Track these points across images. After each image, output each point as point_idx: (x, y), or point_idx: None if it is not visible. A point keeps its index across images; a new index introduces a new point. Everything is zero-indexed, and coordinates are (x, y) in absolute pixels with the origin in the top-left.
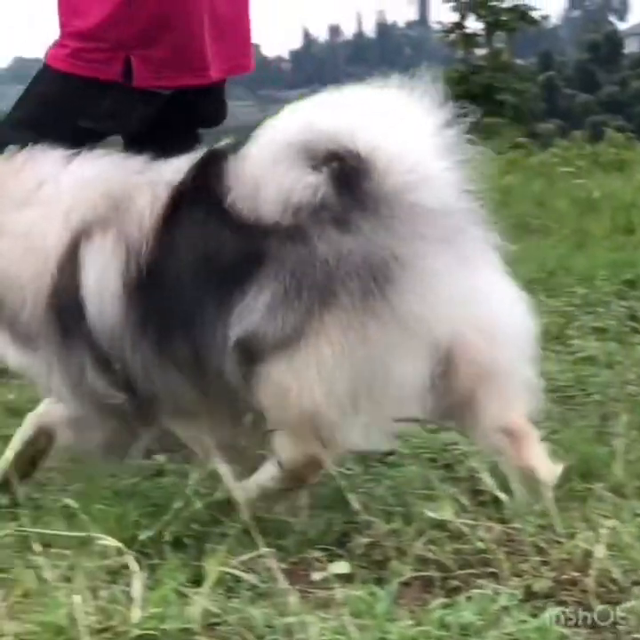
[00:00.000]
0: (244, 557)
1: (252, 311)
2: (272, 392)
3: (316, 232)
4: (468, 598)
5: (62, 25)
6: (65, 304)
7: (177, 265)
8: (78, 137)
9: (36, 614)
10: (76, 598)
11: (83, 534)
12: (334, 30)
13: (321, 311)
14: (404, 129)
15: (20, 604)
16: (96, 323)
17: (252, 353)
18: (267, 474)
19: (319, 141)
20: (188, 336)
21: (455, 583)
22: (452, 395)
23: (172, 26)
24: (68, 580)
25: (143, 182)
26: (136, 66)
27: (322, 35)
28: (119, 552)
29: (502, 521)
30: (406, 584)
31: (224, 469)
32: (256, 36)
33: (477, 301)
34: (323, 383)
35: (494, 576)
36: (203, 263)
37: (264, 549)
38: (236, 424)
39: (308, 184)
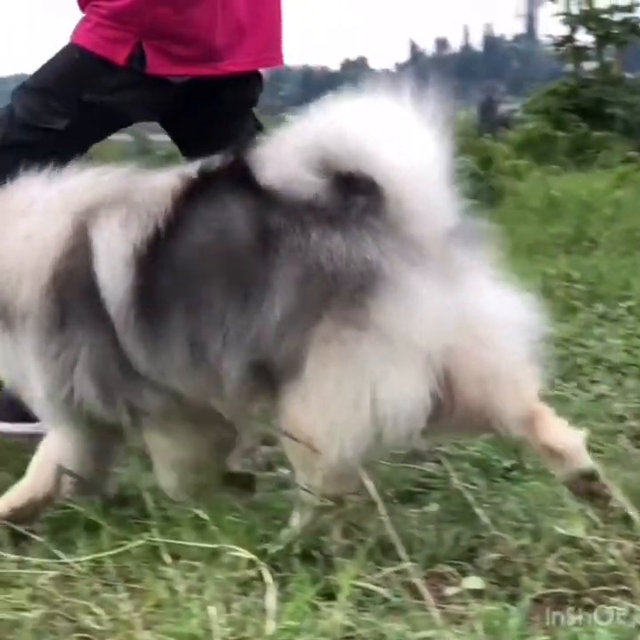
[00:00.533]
0: (383, 572)
1: (265, 328)
2: (288, 426)
3: (316, 231)
4: (602, 616)
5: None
6: (68, 288)
7: (188, 248)
8: (81, 109)
9: (169, 625)
10: (211, 609)
11: (213, 546)
12: (441, 43)
13: (317, 329)
14: (409, 151)
15: (152, 615)
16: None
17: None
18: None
19: (330, 153)
20: (189, 323)
21: (588, 601)
22: (460, 406)
23: (185, 19)
24: (198, 591)
25: (144, 178)
26: (149, 54)
27: (428, 47)
28: (250, 564)
29: (633, 538)
30: (538, 601)
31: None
32: (363, 49)
33: (469, 312)
34: (326, 412)
35: (627, 594)
36: (215, 251)
37: (406, 564)
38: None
39: (313, 183)
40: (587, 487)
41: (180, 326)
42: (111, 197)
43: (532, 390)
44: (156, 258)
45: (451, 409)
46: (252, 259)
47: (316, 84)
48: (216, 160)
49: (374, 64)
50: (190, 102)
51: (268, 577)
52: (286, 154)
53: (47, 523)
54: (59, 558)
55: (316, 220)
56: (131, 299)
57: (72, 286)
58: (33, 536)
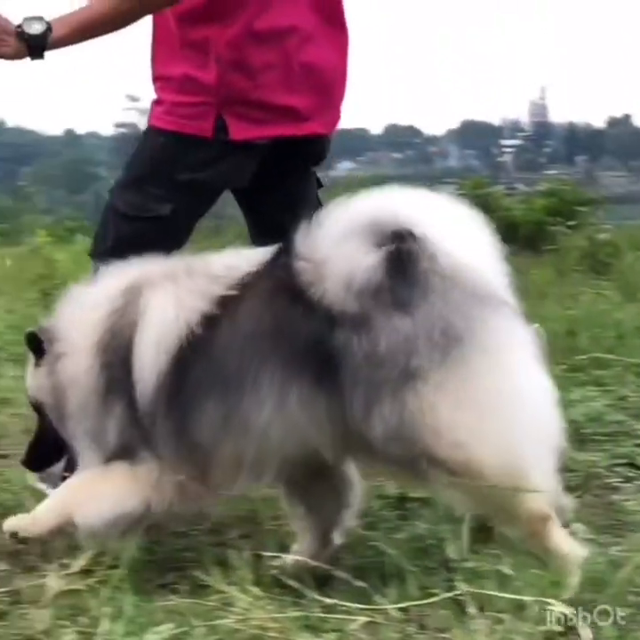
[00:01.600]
0: None
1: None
2: None
3: (378, 319)
4: None
5: (157, 79)
6: (113, 360)
7: (234, 338)
8: (181, 190)
9: None
10: None
11: (521, 598)
12: None
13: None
14: (460, 222)
15: None
16: (139, 378)
17: None
18: None
19: (384, 222)
20: (228, 410)
21: None
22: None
23: (259, 84)
24: None
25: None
26: (229, 121)
27: None
28: (561, 619)
29: None
30: None
31: None
32: (628, 106)
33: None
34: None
35: None
36: (264, 342)
37: None
38: None
39: (368, 267)
40: None
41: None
42: (161, 278)
43: (546, 495)
44: (196, 346)
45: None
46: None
47: (580, 142)
48: (271, 255)
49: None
50: (271, 164)
51: (585, 633)
52: (336, 243)
53: (347, 567)
54: (367, 603)
55: (379, 307)
56: (162, 383)
57: (114, 363)
58: (338, 577)
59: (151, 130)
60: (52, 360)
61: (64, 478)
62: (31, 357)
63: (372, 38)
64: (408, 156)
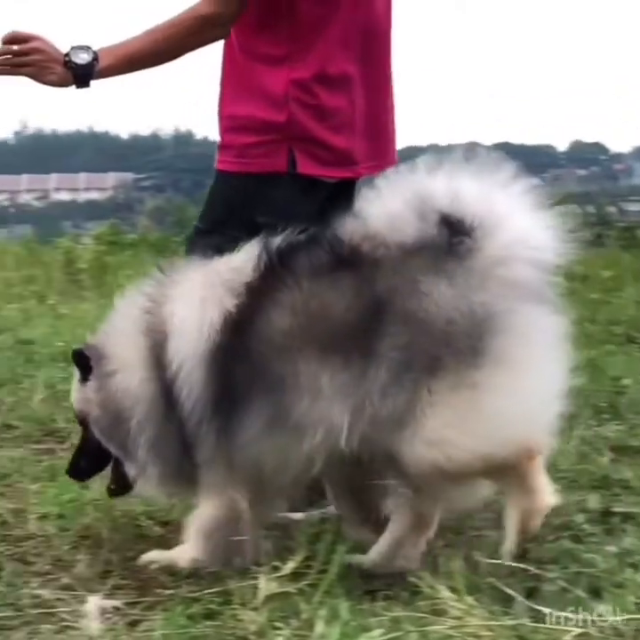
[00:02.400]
0: None
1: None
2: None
3: (425, 283)
4: None
5: (223, 118)
6: (160, 373)
7: (267, 334)
8: (260, 231)
9: None
10: None
11: None
12: None
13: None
14: (511, 207)
15: None
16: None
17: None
18: None
19: (435, 205)
20: (275, 401)
21: None
22: None
23: (331, 124)
24: None
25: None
26: (299, 156)
27: None
28: None
29: None
30: None
31: None
32: None
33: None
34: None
35: None
36: (298, 332)
37: None
38: None
39: (423, 234)
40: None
41: (260, 399)
42: (184, 286)
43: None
44: (232, 339)
45: None
46: (353, 329)
47: None
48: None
49: None
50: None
51: None
52: (394, 202)
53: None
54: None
55: (422, 273)
56: (201, 378)
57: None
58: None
59: (223, 175)
60: (101, 376)
61: (108, 488)
62: (77, 373)
63: (557, 54)
64: (593, 172)
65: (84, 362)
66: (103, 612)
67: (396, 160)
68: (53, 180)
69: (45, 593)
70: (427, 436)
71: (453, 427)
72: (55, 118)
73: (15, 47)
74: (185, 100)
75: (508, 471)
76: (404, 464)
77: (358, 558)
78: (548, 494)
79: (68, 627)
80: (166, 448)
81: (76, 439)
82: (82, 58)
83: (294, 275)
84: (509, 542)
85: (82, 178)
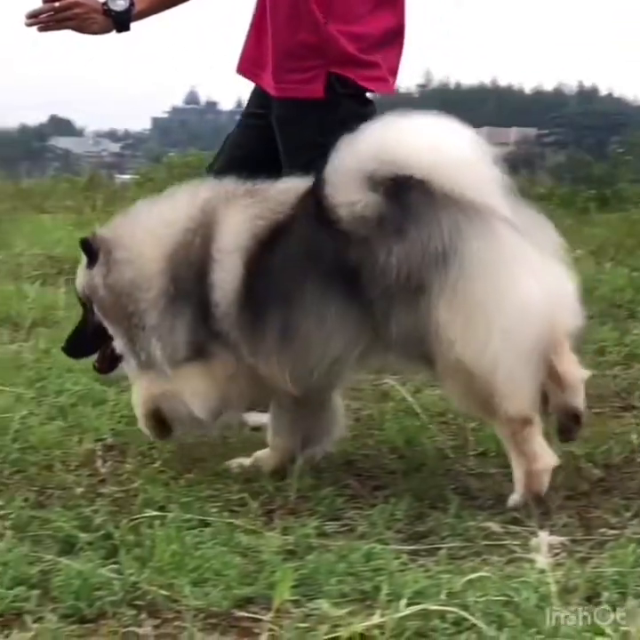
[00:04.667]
0: None
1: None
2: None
3: (381, 243)
4: None
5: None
6: (186, 271)
7: (285, 257)
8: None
9: None
10: None
11: None
12: None
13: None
14: (450, 147)
15: None
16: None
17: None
18: None
19: (382, 169)
20: (285, 314)
21: None
22: None
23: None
24: None
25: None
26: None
27: None
28: None
29: None
30: None
31: None
32: None
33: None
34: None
35: None
36: (306, 261)
37: None
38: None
39: (370, 202)
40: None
41: (276, 311)
42: (231, 198)
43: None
44: (263, 255)
45: None
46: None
47: None
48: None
49: None
50: None
51: None
52: (345, 179)
53: None
54: None
55: (384, 230)
56: (237, 285)
57: (186, 273)
58: None
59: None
60: (111, 263)
61: (94, 366)
62: (84, 259)
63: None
64: None
65: (91, 249)
66: (551, 547)
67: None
68: None
69: (492, 525)
70: (444, 351)
71: (462, 330)
72: (458, 72)
73: (57, 4)
74: (591, 55)
75: (505, 425)
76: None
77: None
78: (548, 456)
79: (517, 558)
80: (171, 335)
81: None
82: (119, 5)
83: (305, 212)
84: (517, 495)
85: (484, 132)
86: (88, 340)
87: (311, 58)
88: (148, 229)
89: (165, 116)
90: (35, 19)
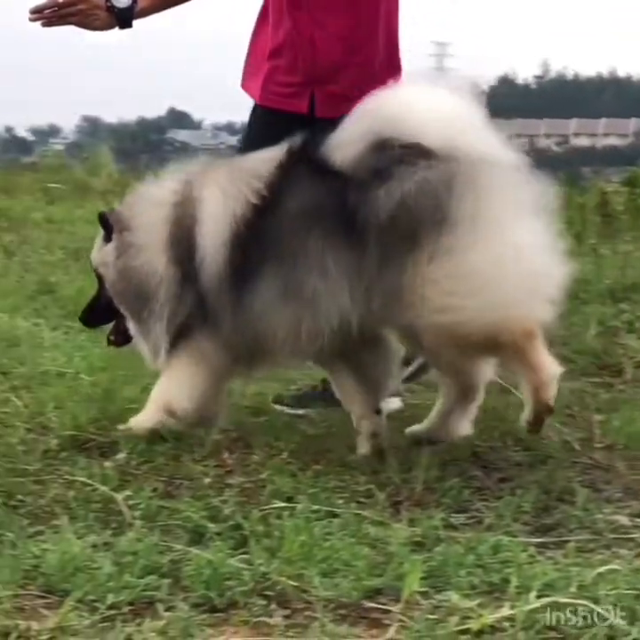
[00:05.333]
0: None
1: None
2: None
3: (377, 192)
4: None
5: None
6: (181, 251)
7: (281, 217)
8: None
9: None
10: None
11: None
12: None
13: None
14: (441, 108)
15: None
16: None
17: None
18: None
19: (385, 135)
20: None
21: None
22: None
23: (352, 65)
24: None
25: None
26: (319, 99)
27: None
28: None
29: None
30: None
31: None
32: None
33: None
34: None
35: None
36: (305, 217)
37: None
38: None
39: (370, 153)
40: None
41: (274, 274)
42: (209, 175)
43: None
44: (253, 225)
45: None
46: (345, 221)
47: None
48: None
49: None
50: None
51: None
52: (350, 139)
53: None
54: None
55: (384, 181)
56: (224, 256)
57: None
58: None
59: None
60: (122, 245)
61: (108, 338)
62: (101, 233)
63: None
64: None
65: (108, 224)
66: None
67: None
68: (573, 124)
69: (620, 518)
70: (414, 304)
71: (444, 292)
72: (577, 62)
73: (60, 0)
74: None
75: (509, 347)
76: (417, 336)
77: (411, 429)
78: (552, 366)
79: None
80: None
81: (630, 374)
82: (122, 2)
83: (303, 171)
84: (527, 412)
85: (602, 123)
86: (101, 312)
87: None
88: (150, 212)
89: None
90: (39, 14)
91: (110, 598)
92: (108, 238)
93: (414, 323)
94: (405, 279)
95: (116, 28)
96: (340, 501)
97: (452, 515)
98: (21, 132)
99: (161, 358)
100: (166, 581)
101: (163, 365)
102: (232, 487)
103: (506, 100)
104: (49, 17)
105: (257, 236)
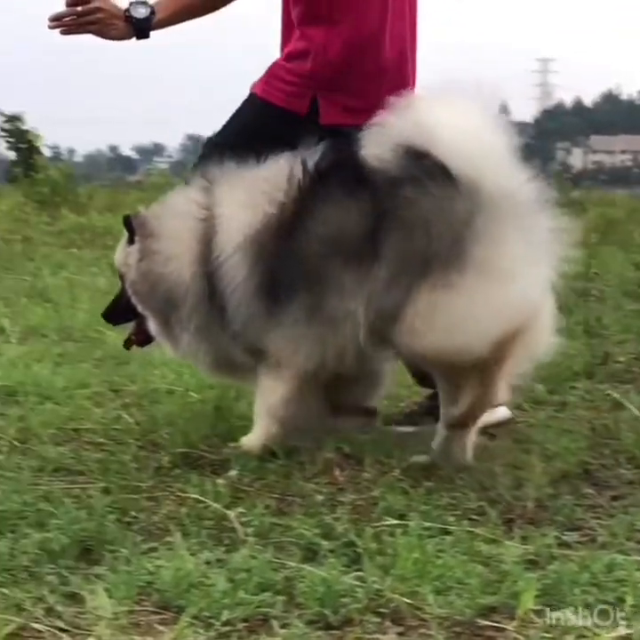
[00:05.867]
0: None
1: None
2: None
3: (414, 200)
4: None
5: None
6: (207, 270)
7: (308, 233)
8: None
9: None
10: None
11: None
12: None
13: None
14: (476, 135)
15: None
16: (224, 283)
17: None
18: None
19: (412, 144)
20: (310, 294)
21: None
22: None
23: (354, 73)
24: None
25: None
26: (322, 104)
27: None
28: None
29: None
30: None
31: None
32: None
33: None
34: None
35: None
36: (326, 239)
37: None
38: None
39: (406, 165)
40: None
41: (299, 293)
42: (233, 183)
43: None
44: (275, 240)
45: None
46: (363, 238)
47: None
48: (326, 152)
49: None
50: None
51: None
52: (382, 145)
53: None
54: None
55: (412, 195)
56: (247, 275)
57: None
58: None
59: (253, 96)
60: (145, 250)
61: (128, 338)
62: (126, 235)
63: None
64: None
65: (130, 228)
66: None
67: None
68: None
69: None
70: (405, 327)
71: (426, 321)
72: None
73: (80, 8)
74: None
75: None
76: (401, 352)
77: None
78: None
79: None
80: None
81: None
82: (140, 12)
83: (323, 189)
84: (454, 409)
85: None
86: (123, 310)
87: None
88: (176, 222)
89: None
90: (58, 22)
91: (225, 615)
92: (131, 241)
93: (406, 343)
94: (406, 302)
95: (134, 39)
96: (452, 519)
97: (565, 533)
98: (126, 150)
99: (203, 365)
100: (280, 598)
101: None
102: (344, 504)
103: (610, 116)
104: (68, 25)
105: (279, 251)
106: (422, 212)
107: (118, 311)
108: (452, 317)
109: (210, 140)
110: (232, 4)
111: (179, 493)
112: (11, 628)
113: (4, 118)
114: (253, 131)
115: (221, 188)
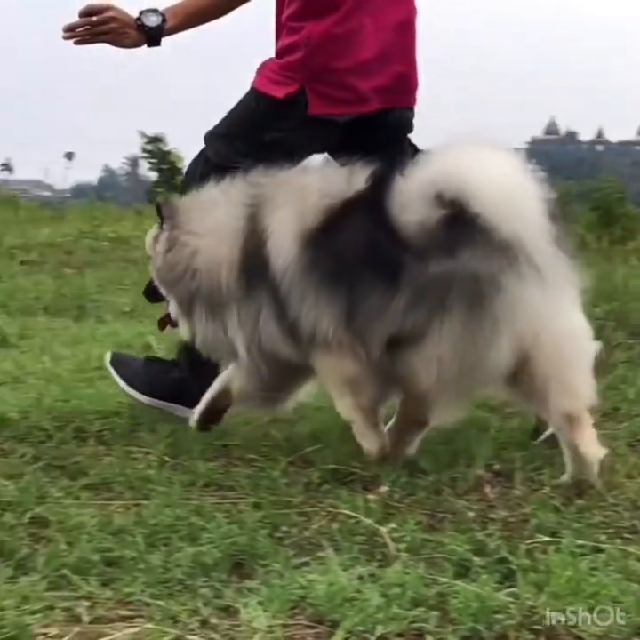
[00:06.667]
0: None
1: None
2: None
3: (434, 255)
4: None
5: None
6: (251, 265)
7: (341, 246)
8: (264, 149)
9: None
10: None
11: None
12: None
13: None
14: (507, 188)
15: None
16: (278, 277)
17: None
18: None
19: (444, 192)
20: (343, 298)
21: None
22: (528, 383)
23: (340, 65)
24: None
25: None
26: (310, 95)
27: None
28: None
29: None
30: None
31: None
32: None
33: (553, 322)
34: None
35: None
36: (359, 252)
37: None
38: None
39: (434, 218)
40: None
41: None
42: (283, 182)
43: (582, 398)
44: (315, 248)
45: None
46: (389, 264)
47: None
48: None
49: None
50: (351, 137)
51: None
52: (410, 191)
53: None
54: None
55: (433, 244)
56: (294, 273)
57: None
58: None
59: (251, 90)
60: (173, 240)
61: (161, 319)
62: (158, 221)
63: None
64: None
65: (160, 215)
66: None
67: (412, 100)
68: None
69: None
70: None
71: (423, 360)
72: None
73: (94, 18)
74: None
75: None
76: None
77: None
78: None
79: None
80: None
81: None
82: (152, 20)
83: (363, 208)
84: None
85: None
86: (155, 290)
87: None
88: (215, 220)
89: (525, 146)
90: (72, 32)
91: (379, 629)
92: (161, 227)
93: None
94: (416, 338)
95: (145, 46)
96: (604, 537)
97: None
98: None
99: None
100: (434, 613)
101: None
102: (495, 521)
103: None
104: (82, 35)
105: (320, 258)
106: (453, 265)
107: (154, 289)
108: (454, 368)
109: (208, 133)
110: (244, 5)
111: (329, 509)
112: (168, 639)
113: (145, 139)
114: (252, 122)
115: (269, 190)
